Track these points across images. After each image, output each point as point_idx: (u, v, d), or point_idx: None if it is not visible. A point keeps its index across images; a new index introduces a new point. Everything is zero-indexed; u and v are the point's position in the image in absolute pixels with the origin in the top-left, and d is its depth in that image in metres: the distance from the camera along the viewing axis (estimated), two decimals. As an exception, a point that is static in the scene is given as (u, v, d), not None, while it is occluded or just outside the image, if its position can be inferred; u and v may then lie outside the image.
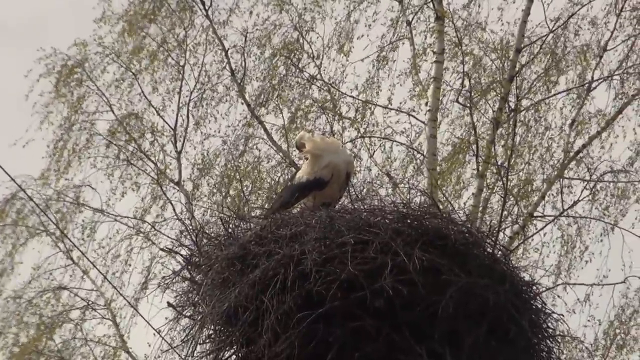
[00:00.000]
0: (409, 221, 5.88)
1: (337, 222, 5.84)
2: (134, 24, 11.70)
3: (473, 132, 10.47)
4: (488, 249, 6.00)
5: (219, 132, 11.61)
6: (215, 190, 11.53)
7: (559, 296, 10.23)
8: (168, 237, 10.83)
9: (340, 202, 6.53)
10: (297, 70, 11.50)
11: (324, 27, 11.51)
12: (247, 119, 11.63)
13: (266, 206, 9.24)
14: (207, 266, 6.11)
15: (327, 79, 11.38)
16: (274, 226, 6.01)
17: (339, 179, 6.50)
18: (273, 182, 11.30)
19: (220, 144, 11.63)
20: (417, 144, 11.10)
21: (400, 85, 11.41)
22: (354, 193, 6.65)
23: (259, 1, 11.65)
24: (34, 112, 11.54)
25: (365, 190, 7.53)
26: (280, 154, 11.32)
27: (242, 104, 11.56)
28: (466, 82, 10.64)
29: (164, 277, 6.35)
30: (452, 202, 10.88)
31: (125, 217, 11.50)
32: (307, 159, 6.54)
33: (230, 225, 6.20)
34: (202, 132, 11.66)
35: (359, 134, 11.23)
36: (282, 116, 11.41)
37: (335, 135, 10.80)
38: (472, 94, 10.59)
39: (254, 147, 11.57)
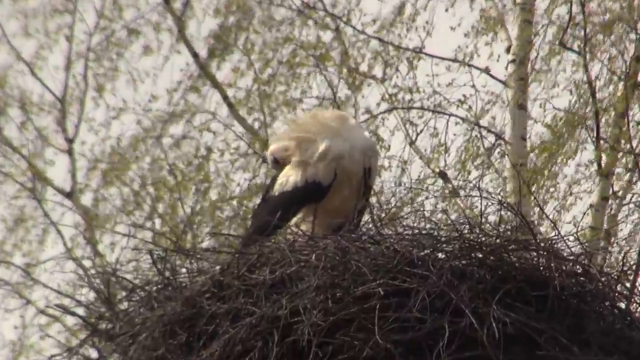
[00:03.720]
0: (480, 255, 5.92)
1: (353, 259, 5.88)
2: None
3: (590, 98, 10.55)
4: (618, 304, 6.10)
5: (139, 104, 11.89)
6: (135, 206, 11.60)
7: None
8: (53, 290, 10.93)
9: (358, 222, 6.56)
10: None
11: None
12: (192, 79, 11.80)
13: (228, 232, 9.68)
14: (128, 337, 6.15)
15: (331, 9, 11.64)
16: (244, 266, 6.02)
17: (350, 180, 6.58)
18: (239, 189, 11.45)
19: (141, 124, 11.91)
20: (491, 120, 11.35)
21: (458, 22, 11.76)
22: (381, 206, 6.71)
23: None
24: None
25: (401, 201, 7.69)
26: (249, 138, 11.49)
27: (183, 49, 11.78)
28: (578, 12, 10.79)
29: (52, 357, 6.35)
30: (554, 221, 10.85)
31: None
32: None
33: (167, 265, 6.24)
34: (108, 105, 11.83)
35: (389, 103, 11.33)
36: (255, 71, 11.56)
37: (347, 106, 10.98)
38: (588, 32, 10.66)
39: (204, 128, 11.68)
